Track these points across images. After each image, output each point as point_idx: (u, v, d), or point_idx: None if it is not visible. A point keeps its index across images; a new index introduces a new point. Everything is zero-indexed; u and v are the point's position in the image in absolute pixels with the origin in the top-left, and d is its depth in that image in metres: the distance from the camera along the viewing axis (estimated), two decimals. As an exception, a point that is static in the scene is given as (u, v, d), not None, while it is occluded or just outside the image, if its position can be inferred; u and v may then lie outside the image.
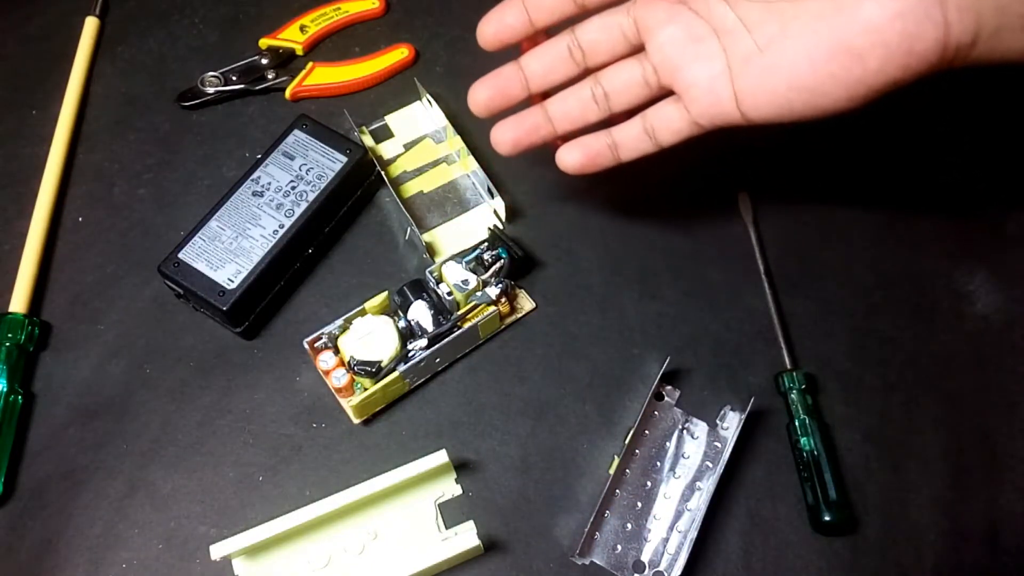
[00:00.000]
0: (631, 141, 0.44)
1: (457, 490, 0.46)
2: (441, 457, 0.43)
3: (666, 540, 0.44)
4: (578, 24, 0.43)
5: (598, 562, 0.44)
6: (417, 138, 0.57)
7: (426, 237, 0.52)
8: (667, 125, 0.43)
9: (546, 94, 0.46)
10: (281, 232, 0.50)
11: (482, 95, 0.44)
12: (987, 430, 0.47)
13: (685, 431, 0.47)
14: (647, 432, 0.47)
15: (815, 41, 0.36)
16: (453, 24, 0.61)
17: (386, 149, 0.57)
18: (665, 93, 0.43)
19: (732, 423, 0.47)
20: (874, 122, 0.57)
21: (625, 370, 0.49)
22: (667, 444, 0.46)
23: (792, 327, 0.50)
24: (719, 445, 0.46)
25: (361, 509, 0.45)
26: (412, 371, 0.47)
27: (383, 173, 0.54)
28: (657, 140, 0.43)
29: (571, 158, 0.44)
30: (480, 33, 0.44)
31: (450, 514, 0.45)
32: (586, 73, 0.44)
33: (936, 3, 0.34)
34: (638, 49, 0.43)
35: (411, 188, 0.55)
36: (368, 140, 0.56)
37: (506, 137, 0.45)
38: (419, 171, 0.56)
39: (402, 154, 0.56)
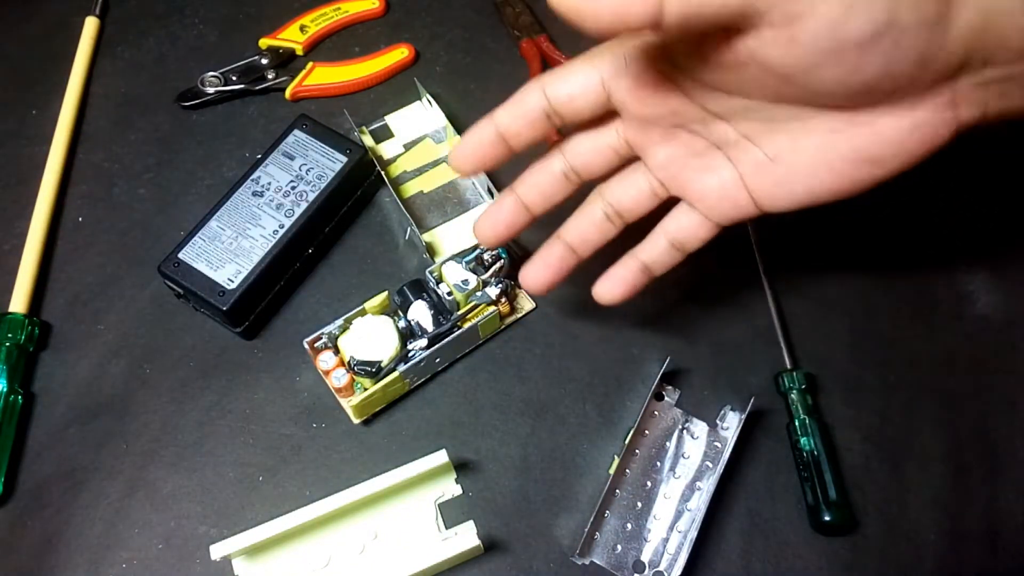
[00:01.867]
0: (661, 258, 0.42)
1: (457, 490, 0.46)
2: (441, 457, 0.43)
3: (666, 540, 0.44)
4: (567, 143, 0.41)
5: (598, 562, 0.44)
6: (417, 138, 0.57)
7: (426, 237, 0.52)
8: (690, 235, 0.41)
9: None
10: (281, 232, 0.50)
11: (484, 230, 0.43)
12: (987, 430, 0.47)
13: (685, 431, 0.47)
14: (647, 432, 0.47)
15: (831, 152, 0.36)
16: (453, 24, 0.61)
17: (386, 149, 0.57)
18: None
19: (732, 423, 0.47)
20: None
21: (625, 370, 0.49)
22: (667, 444, 0.46)
23: (792, 327, 0.50)
24: (719, 445, 0.46)
25: (361, 509, 0.45)
26: (412, 371, 0.47)
27: (383, 173, 0.54)
28: (685, 250, 0.42)
29: (609, 294, 0.43)
30: (452, 158, 0.42)
31: (450, 514, 0.45)
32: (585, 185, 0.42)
33: (948, 106, 0.34)
34: (634, 159, 0.41)
35: (411, 188, 0.55)
36: (368, 140, 0.56)
37: (536, 281, 0.44)
38: (419, 171, 0.56)
39: (402, 154, 0.56)
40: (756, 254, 0.52)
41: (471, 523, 0.44)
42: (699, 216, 0.40)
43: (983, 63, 0.32)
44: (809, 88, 0.33)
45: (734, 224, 0.40)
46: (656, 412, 0.47)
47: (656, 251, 0.42)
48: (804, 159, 0.36)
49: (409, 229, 0.53)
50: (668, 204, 0.41)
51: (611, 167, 0.41)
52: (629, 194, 0.41)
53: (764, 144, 0.37)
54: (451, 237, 0.53)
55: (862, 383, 0.49)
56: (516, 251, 0.49)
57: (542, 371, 0.49)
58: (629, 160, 0.41)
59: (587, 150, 0.41)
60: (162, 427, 0.48)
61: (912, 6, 0.31)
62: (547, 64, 0.59)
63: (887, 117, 0.34)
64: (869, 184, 0.36)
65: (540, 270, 0.44)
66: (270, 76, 0.59)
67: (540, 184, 0.42)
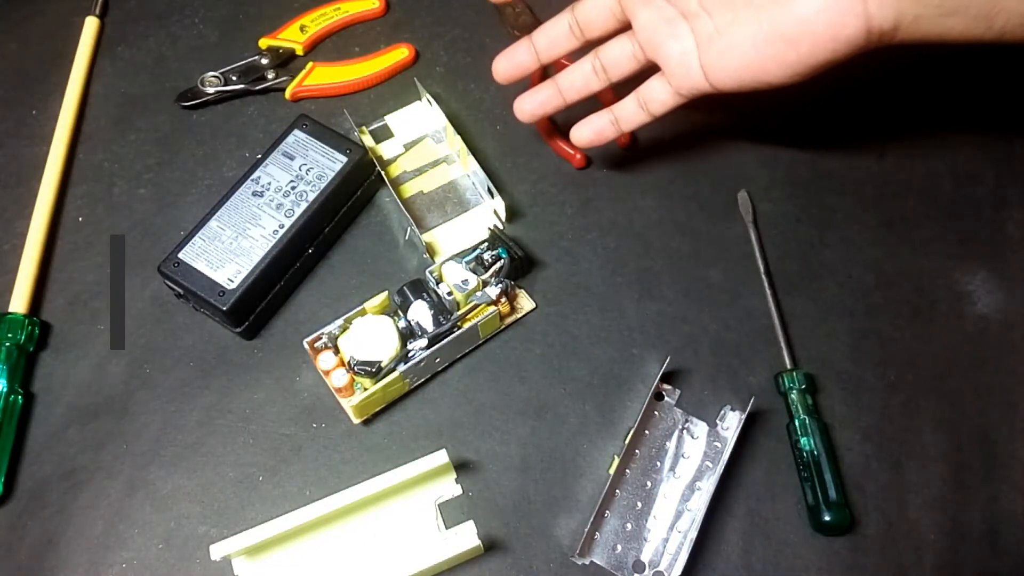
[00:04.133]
0: (629, 115, 0.50)
1: (457, 490, 0.46)
2: (441, 457, 0.43)
3: (666, 540, 0.44)
4: (578, 5, 0.49)
5: (598, 562, 0.44)
6: (417, 138, 0.57)
7: (426, 237, 0.52)
8: (655, 97, 0.49)
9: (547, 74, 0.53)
10: (281, 232, 0.50)
11: (501, 66, 0.51)
12: (987, 430, 0.47)
13: (685, 431, 0.47)
14: (647, 432, 0.47)
15: (757, 29, 0.43)
16: (453, 24, 0.61)
17: (386, 149, 0.57)
18: (653, 66, 0.48)
19: (732, 423, 0.46)
20: (874, 122, 0.57)
21: (625, 370, 0.49)
22: (667, 444, 0.46)
23: (792, 327, 0.50)
24: (719, 445, 0.46)
25: (361, 509, 0.45)
26: (412, 371, 0.47)
27: (383, 173, 0.54)
28: (649, 111, 0.49)
29: (582, 134, 0.51)
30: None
31: (450, 514, 0.45)
32: (585, 46, 0.50)
33: None
34: (627, 25, 0.48)
35: (411, 188, 0.55)
36: (368, 140, 0.56)
37: (524, 108, 0.52)
38: (419, 171, 0.56)
39: (402, 154, 0.56)
40: (756, 254, 0.52)
41: (471, 523, 0.44)
42: (665, 84, 0.48)
43: None
44: None
45: (692, 97, 0.47)
46: (656, 412, 0.47)
47: (626, 108, 0.50)
48: (738, 33, 0.43)
49: (409, 229, 0.53)
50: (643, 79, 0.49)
51: (606, 30, 0.49)
52: (615, 53, 0.49)
53: (715, 16, 0.44)
54: (451, 237, 0.53)
55: (862, 383, 0.49)
56: (516, 251, 0.49)
57: (542, 371, 0.49)
58: (624, 27, 0.48)
59: (591, 8, 0.48)
60: (162, 427, 0.48)
61: None
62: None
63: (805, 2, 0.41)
64: (791, 66, 0.43)
65: (531, 100, 0.52)
66: (270, 76, 0.59)
67: (549, 32, 0.50)
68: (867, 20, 0.40)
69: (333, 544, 0.44)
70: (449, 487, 0.46)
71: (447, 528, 0.45)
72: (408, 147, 0.57)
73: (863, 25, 0.40)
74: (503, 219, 0.53)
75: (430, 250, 0.52)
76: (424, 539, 0.45)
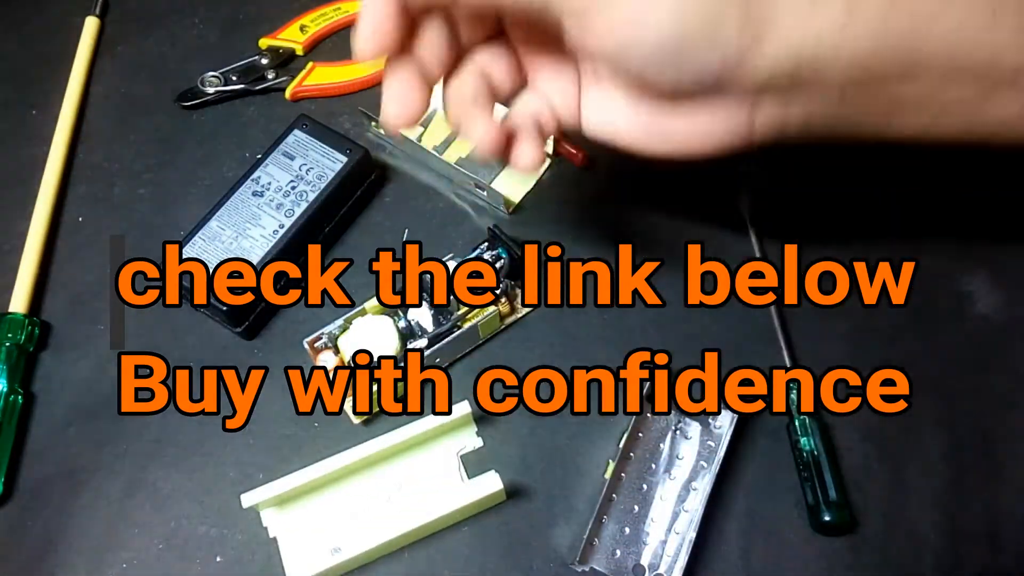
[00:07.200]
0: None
1: (478, 442, 0.46)
2: (463, 408, 0.44)
3: (664, 542, 0.44)
4: None
5: (598, 568, 0.43)
6: (430, 114, 0.56)
7: (494, 187, 0.53)
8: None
9: None
10: (281, 232, 0.50)
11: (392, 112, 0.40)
12: (987, 430, 0.47)
13: (679, 432, 0.47)
14: (641, 435, 0.46)
15: (638, 108, 0.38)
16: (453, 24, 0.61)
17: (408, 132, 0.56)
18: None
19: (725, 421, 0.46)
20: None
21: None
22: (661, 446, 0.46)
23: (792, 327, 0.50)
24: (713, 444, 0.46)
25: (385, 460, 0.46)
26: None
27: (421, 151, 0.54)
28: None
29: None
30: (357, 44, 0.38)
31: (471, 467, 0.46)
32: None
33: (744, 116, 0.36)
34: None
35: (450, 158, 0.55)
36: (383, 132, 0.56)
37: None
38: (447, 142, 0.55)
39: (423, 132, 0.56)
40: (756, 254, 0.52)
41: (493, 472, 0.44)
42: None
43: (787, 92, 0.35)
44: (619, 72, 0.37)
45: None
46: (649, 414, 0.47)
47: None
48: (619, 99, 0.38)
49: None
50: None
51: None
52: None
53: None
54: (513, 186, 0.54)
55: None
56: (516, 251, 0.49)
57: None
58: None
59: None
60: (162, 427, 0.48)
61: (705, 35, 0.33)
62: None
63: (686, 105, 0.37)
64: (661, 154, 0.39)
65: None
66: (270, 76, 0.59)
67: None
68: (751, 134, 0.37)
69: (359, 494, 0.45)
70: (470, 440, 0.46)
71: (469, 479, 0.45)
72: (425, 124, 0.56)
73: (746, 140, 0.37)
74: (552, 154, 0.54)
75: (506, 204, 0.53)
76: (447, 487, 0.45)
